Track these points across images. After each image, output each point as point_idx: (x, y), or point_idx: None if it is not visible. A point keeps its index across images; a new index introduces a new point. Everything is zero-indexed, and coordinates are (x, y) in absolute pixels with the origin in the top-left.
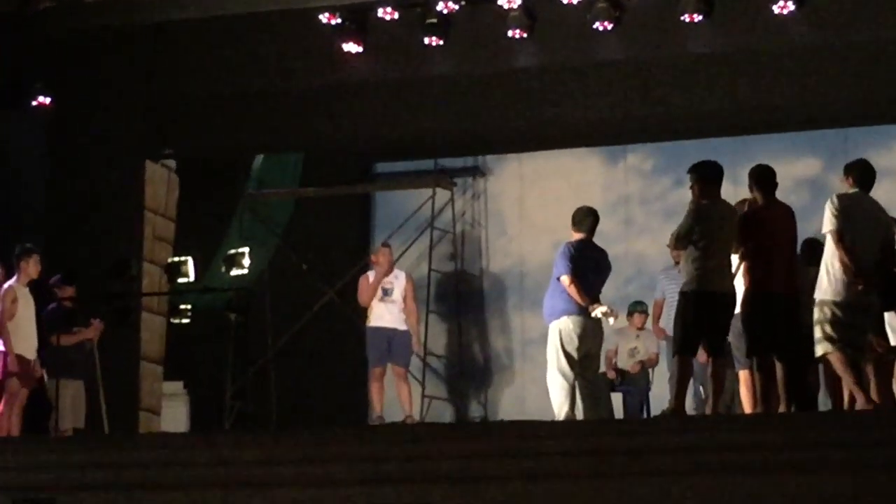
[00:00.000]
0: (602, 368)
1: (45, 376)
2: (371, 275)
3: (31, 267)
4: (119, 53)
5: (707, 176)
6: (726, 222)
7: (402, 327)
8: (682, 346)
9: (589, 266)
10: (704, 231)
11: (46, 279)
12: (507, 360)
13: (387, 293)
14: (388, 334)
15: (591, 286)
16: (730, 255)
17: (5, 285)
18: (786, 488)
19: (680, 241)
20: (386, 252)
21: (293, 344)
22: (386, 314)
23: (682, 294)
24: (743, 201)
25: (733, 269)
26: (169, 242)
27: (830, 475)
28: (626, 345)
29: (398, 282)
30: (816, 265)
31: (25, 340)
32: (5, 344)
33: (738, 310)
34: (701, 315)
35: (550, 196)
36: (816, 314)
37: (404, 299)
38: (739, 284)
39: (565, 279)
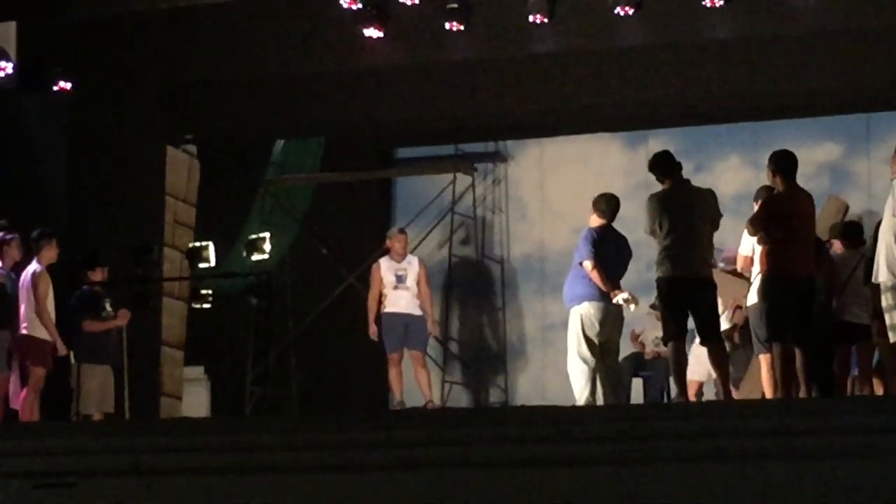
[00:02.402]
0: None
1: (73, 359)
2: (384, 262)
3: (51, 251)
4: (140, 38)
5: (659, 165)
6: (692, 206)
7: (418, 312)
8: (665, 334)
9: (610, 252)
10: (665, 218)
11: (71, 263)
12: (527, 346)
13: (400, 280)
14: (405, 320)
15: (613, 272)
16: (702, 240)
17: (34, 269)
18: (808, 475)
19: (649, 232)
20: (401, 238)
21: (313, 329)
22: (401, 300)
23: (655, 282)
24: (767, 186)
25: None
26: (190, 228)
27: (854, 462)
28: (652, 331)
29: (411, 268)
30: (859, 247)
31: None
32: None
33: (755, 297)
34: (672, 301)
35: (571, 181)
36: (890, 300)
37: (418, 284)
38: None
39: (588, 264)
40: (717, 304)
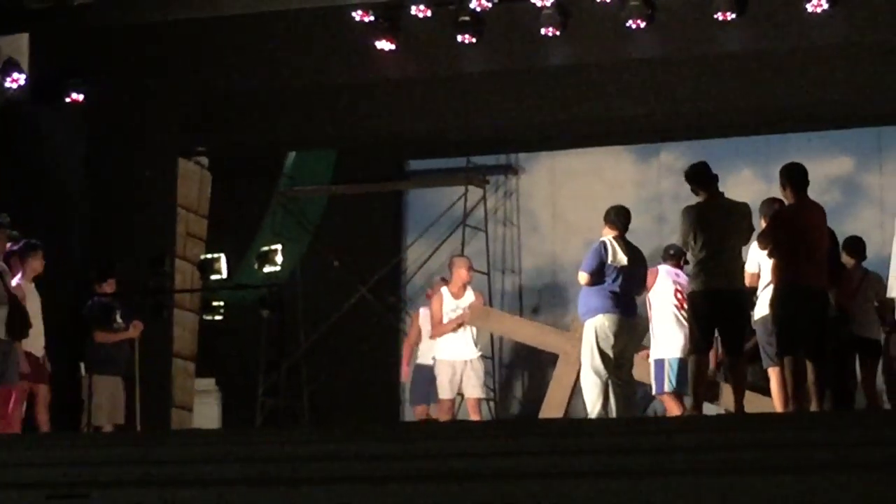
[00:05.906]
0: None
1: (83, 371)
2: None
3: (37, 262)
4: (153, 51)
5: (697, 177)
6: (728, 220)
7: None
8: (691, 345)
9: (624, 263)
10: (701, 231)
11: (86, 275)
12: (540, 359)
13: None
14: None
15: (628, 284)
16: (737, 253)
17: (12, 283)
18: (822, 487)
19: (682, 245)
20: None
21: (325, 340)
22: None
23: (688, 295)
24: (771, 200)
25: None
26: (201, 239)
27: (867, 474)
28: None
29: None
30: (862, 262)
31: (33, 338)
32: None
33: (765, 309)
34: (705, 314)
35: (583, 194)
36: None
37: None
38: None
39: (582, 276)
40: (748, 316)
